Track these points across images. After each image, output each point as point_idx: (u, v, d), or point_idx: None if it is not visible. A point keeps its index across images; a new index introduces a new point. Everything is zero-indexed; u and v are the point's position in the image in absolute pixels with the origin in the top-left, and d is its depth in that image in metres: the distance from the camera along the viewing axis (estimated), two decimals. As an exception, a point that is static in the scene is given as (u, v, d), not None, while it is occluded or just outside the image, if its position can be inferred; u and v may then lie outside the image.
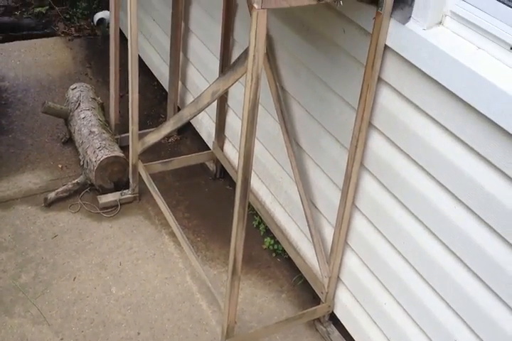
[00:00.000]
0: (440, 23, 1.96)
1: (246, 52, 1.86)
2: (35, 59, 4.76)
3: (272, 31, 2.75)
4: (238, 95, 3.22)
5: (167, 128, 3.05)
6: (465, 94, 1.80)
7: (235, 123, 3.38)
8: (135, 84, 3.16)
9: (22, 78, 4.52)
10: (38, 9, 5.29)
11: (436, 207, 2.05)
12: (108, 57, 3.68)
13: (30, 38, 4.96)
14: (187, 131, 4.05)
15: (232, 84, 2.48)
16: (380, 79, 2.17)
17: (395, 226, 2.27)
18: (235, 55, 3.25)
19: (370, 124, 2.27)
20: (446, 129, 1.94)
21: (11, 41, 4.91)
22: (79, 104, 3.80)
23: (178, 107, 4.00)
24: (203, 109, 2.84)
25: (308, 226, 2.73)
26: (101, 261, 3.15)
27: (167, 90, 4.04)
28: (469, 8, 1.86)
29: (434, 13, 1.93)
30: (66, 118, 3.85)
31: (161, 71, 4.21)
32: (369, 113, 2.23)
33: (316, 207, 2.77)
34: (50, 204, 3.45)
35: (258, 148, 3.03)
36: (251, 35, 1.72)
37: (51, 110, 3.80)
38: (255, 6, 1.66)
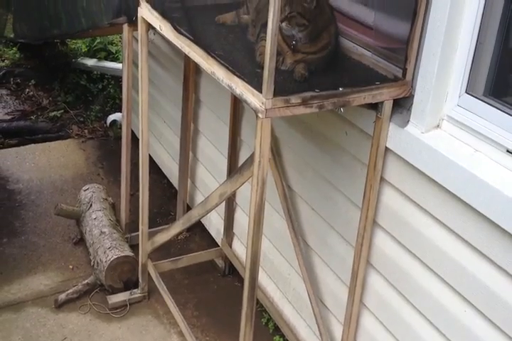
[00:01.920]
0: (438, 126, 2.04)
1: (252, 157, 1.94)
2: (49, 161, 4.89)
3: (278, 132, 2.85)
4: (246, 192, 3.28)
5: (176, 228, 3.11)
6: (464, 194, 1.86)
7: (243, 220, 3.43)
8: (145, 185, 3.25)
9: (36, 180, 4.64)
10: (53, 113, 5.49)
11: (443, 305, 2.06)
12: (120, 158, 3.79)
13: (45, 141, 5.12)
14: (196, 227, 4.09)
15: (239, 187, 2.56)
16: (382, 179, 2.23)
17: (404, 325, 2.27)
18: (243, 154, 3.35)
19: (374, 222, 2.32)
20: (448, 228, 1.98)
21: (27, 145, 5.07)
22: (91, 205, 3.89)
23: (188, 205, 4.06)
24: (211, 210, 2.90)
25: (317, 324, 2.72)
26: (110, 364, 3.12)
27: (177, 188, 4.12)
28: (465, 113, 1.95)
29: (431, 118, 2.02)
30: (78, 218, 3.93)
31: (171, 169, 4.31)
32: (373, 212, 2.28)
33: (324, 304, 2.76)
34: (60, 306, 3.45)
35: (266, 244, 3.07)
36: (256, 142, 1.81)
37: (63, 212, 3.89)
38: (260, 115, 1.76)
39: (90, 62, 5.99)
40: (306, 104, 1.85)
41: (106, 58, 6.11)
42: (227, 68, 1.97)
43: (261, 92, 1.78)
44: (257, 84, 1.81)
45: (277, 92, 1.79)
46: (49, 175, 4.70)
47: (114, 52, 6.16)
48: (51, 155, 4.97)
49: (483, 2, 1.84)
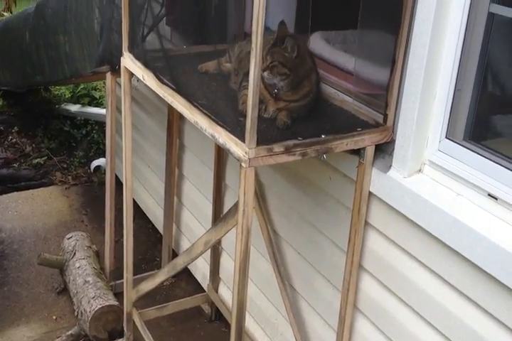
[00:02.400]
0: (420, 170, 2.06)
1: (236, 205, 1.95)
2: (33, 209, 4.86)
3: (263, 177, 2.86)
4: (231, 237, 3.25)
5: (161, 276, 3.08)
6: (448, 239, 1.87)
7: (228, 264, 3.41)
8: (130, 232, 3.21)
9: (19, 229, 4.59)
10: (36, 160, 5.48)
11: (432, 350, 2.05)
12: (104, 203, 3.78)
13: (28, 189, 5.09)
14: (182, 273, 4.04)
15: (224, 235, 2.55)
16: (367, 223, 2.24)
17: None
18: (228, 199, 3.35)
19: (360, 266, 2.32)
20: (433, 271, 1.99)
21: (9, 193, 5.04)
22: (74, 253, 3.85)
23: (173, 250, 4.04)
24: (196, 258, 2.88)
25: (307, 371, 2.69)
26: None
27: (162, 233, 4.10)
28: (446, 158, 1.97)
29: (413, 162, 2.04)
30: (62, 268, 3.89)
31: (156, 214, 4.30)
32: (358, 256, 2.28)
33: (313, 350, 2.74)
34: (43, 359, 3.40)
35: (252, 289, 3.04)
36: (240, 191, 1.82)
37: (46, 261, 3.86)
38: (243, 165, 1.77)
39: (74, 108, 6.02)
40: (289, 152, 1.87)
41: (90, 104, 6.16)
42: (209, 117, 1.99)
43: (244, 142, 1.79)
44: (239, 134, 1.83)
45: (260, 141, 1.81)
46: (32, 224, 4.66)
47: (97, 97, 6.21)
48: (34, 203, 4.95)
49: (460, 51, 1.89)
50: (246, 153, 1.79)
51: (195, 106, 2.08)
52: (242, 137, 1.81)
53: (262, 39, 1.65)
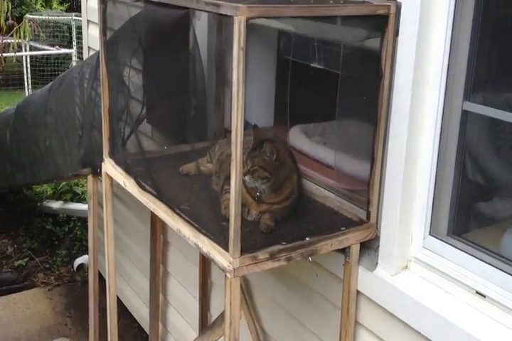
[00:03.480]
0: (406, 267, 2.05)
1: (223, 315, 1.90)
2: (15, 315, 4.73)
3: (249, 275, 2.82)
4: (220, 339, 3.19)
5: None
6: (437, 338, 1.84)
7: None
8: (114, 334, 3.13)
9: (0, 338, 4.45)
10: (18, 262, 5.38)
11: None
12: (88, 303, 3.68)
13: (10, 293, 4.97)
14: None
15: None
16: (357, 322, 2.20)
17: None
18: (214, 296, 3.29)
19: (353, 367, 2.25)
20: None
21: (-10, 299, 4.93)
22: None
23: (160, 351, 3.93)
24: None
25: None
26: None
27: (148, 333, 3.99)
28: (431, 255, 1.97)
29: (398, 259, 2.03)
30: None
31: (141, 313, 4.20)
32: (350, 357, 2.22)
33: None
34: None
35: None
36: (226, 301, 1.78)
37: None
38: (228, 275, 1.74)
39: (56, 204, 5.99)
40: (274, 258, 1.85)
41: (72, 199, 6.13)
42: (192, 225, 1.98)
43: (228, 251, 1.78)
44: (223, 242, 1.82)
45: (244, 249, 1.79)
46: (14, 331, 4.52)
47: (80, 193, 6.19)
48: (16, 307, 4.82)
49: (437, 149, 1.92)
50: (230, 263, 1.77)
51: (177, 213, 2.07)
52: (225, 246, 1.79)
53: (241, 151, 1.67)
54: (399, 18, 1.86)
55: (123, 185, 2.42)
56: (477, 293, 1.82)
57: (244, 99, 1.64)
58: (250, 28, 1.62)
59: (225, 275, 1.77)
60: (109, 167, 2.53)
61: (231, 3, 1.61)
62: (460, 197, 1.97)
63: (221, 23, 2.67)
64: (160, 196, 2.21)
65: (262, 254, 1.83)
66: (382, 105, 1.95)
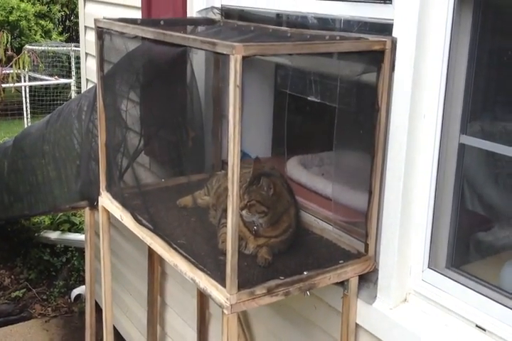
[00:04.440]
0: (405, 300, 2.03)
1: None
2: (11, 349, 4.71)
3: (246, 308, 2.80)
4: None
5: None
6: (439, 375, 1.82)
7: None
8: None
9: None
10: (15, 293, 5.34)
11: None
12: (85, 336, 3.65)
13: (7, 324, 4.93)
14: None
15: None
16: (357, 356, 2.18)
17: None
18: (212, 328, 3.26)
19: None
20: None
21: (-13, 332, 4.89)
22: None
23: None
24: None
25: None
26: None
27: (146, 365, 3.95)
28: (430, 288, 1.96)
29: (397, 292, 2.01)
30: None
31: (140, 345, 4.17)
32: None
33: None
34: None
35: None
36: (223, 337, 1.76)
37: None
38: (225, 311, 1.73)
39: (53, 235, 5.97)
40: (272, 293, 1.84)
41: (69, 230, 6.11)
42: (189, 260, 1.96)
43: (225, 287, 1.76)
44: (220, 278, 1.80)
45: (242, 284, 1.78)
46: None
47: (77, 223, 6.18)
48: (13, 340, 4.77)
49: (434, 184, 1.92)
50: (228, 299, 1.75)
51: (173, 248, 2.06)
52: (222, 282, 1.78)
53: (238, 187, 1.67)
54: (395, 53, 1.88)
55: (120, 218, 2.42)
56: (477, 326, 1.81)
57: (241, 135, 1.65)
58: (247, 63, 1.63)
59: (222, 312, 1.75)
60: (106, 201, 2.53)
61: (226, 41, 1.63)
62: (458, 229, 1.97)
63: (218, 58, 2.70)
64: (156, 230, 2.20)
65: (259, 289, 1.81)
66: (378, 138, 1.96)
